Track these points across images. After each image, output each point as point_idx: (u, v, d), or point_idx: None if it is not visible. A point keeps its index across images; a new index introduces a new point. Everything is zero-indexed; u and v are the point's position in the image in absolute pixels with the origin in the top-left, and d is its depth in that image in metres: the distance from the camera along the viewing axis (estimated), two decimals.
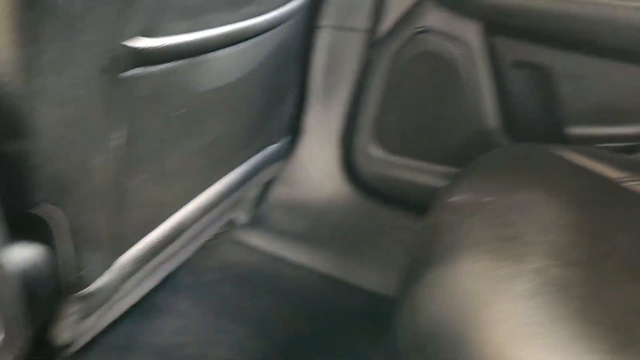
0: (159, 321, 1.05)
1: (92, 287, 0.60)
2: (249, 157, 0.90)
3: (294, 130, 1.10)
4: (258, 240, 1.21)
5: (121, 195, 0.60)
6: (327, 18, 1.07)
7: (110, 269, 0.62)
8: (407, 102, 1.08)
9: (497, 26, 0.97)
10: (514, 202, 0.65)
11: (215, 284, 1.14)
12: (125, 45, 0.51)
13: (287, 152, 1.06)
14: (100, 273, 0.61)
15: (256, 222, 1.22)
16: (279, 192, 1.21)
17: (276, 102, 0.91)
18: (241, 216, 1.17)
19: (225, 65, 0.66)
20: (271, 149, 0.99)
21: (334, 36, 1.08)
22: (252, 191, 1.11)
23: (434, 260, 0.60)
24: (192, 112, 0.65)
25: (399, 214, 1.15)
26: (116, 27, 0.49)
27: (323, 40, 1.08)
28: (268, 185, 1.19)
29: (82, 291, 0.59)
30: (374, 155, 1.14)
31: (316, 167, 1.19)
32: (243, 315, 1.08)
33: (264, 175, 1.02)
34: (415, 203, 1.12)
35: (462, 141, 1.05)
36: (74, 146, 0.51)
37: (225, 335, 1.03)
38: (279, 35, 0.79)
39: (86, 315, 0.62)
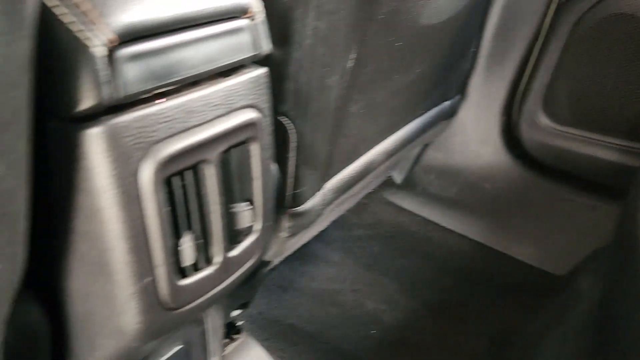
0: (313, 268, 1.09)
1: (305, 206, 0.62)
2: (427, 109, 0.89)
3: (461, 91, 1.08)
4: (408, 202, 1.21)
5: (340, 121, 0.62)
6: None
7: (319, 191, 0.64)
8: (587, 69, 1.01)
9: None
10: None
11: (365, 240, 1.15)
12: None
13: (451, 114, 1.04)
14: (312, 194, 0.63)
15: (407, 184, 1.22)
16: (432, 156, 1.19)
17: (459, 54, 0.90)
18: (397, 176, 1.17)
19: (448, 1, 0.65)
20: (441, 107, 0.97)
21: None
22: (414, 150, 1.11)
23: None
24: (407, 45, 0.65)
25: (567, 189, 1.09)
26: None
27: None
28: (423, 148, 1.18)
29: (296, 208, 0.61)
30: (541, 125, 1.08)
31: (475, 132, 1.16)
32: (393, 272, 1.08)
33: (429, 136, 1.01)
34: (591, 179, 1.05)
35: None
36: (319, 60, 0.53)
37: (376, 288, 1.04)
38: None
39: (293, 234, 0.65)
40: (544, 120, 1.09)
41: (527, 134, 1.11)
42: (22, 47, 0.24)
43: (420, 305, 1.02)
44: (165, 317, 0.41)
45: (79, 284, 0.40)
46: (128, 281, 0.38)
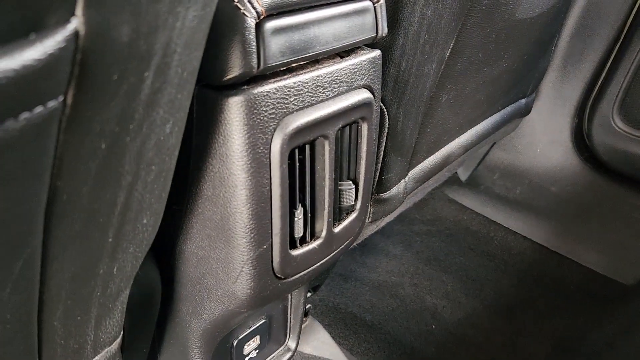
0: (374, 259, 1.09)
1: (390, 192, 0.63)
2: (505, 105, 0.89)
3: (535, 90, 1.07)
4: (470, 200, 1.20)
5: (430, 110, 0.62)
6: None
7: (403, 179, 0.65)
8: None
9: None
10: None
11: (425, 235, 1.15)
12: None
13: (525, 112, 1.03)
14: (397, 181, 0.64)
15: (470, 182, 1.21)
16: (497, 155, 1.18)
17: (542, 51, 0.88)
18: (462, 173, 1.16)
19: None
20: (518, 104, 0.96)
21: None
22: (483, 148, 1.10)
23: None
24: (500, 38, 0.65)
25: (638, 196, 1.06)
26: None
27: None
28: (491, 147, 1.17)
29: (382, 194, 0.62)
30: (617, 128, 1.06)
31: (544, 133, 1.14)
32: (453, 269, 1.08)
33: (500, 133, 1.00)
34: None
35: None
36: (421, 48, 0.53)
37: (436, 284, 1.04)
38: None
39: (374, 220, 0.65)
40: (620, 123, 1.06)
41: (599, 137, 1.09)
42: (210, 11, 0.26)
43: (480, 304, 1.02)
44: (275, 285, 0.43)
45: (197, 248, 0.42)
46: (247, 247, 0.39)
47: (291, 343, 0.64)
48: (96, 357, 0.36)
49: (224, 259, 0.41)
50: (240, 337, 0.55)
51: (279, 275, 0.42)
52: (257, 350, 0.58)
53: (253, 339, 0.57)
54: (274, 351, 0.63)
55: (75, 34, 0.18)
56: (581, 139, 1.12)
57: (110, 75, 0.20)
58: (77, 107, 0.20)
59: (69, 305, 0.29)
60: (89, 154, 0.22)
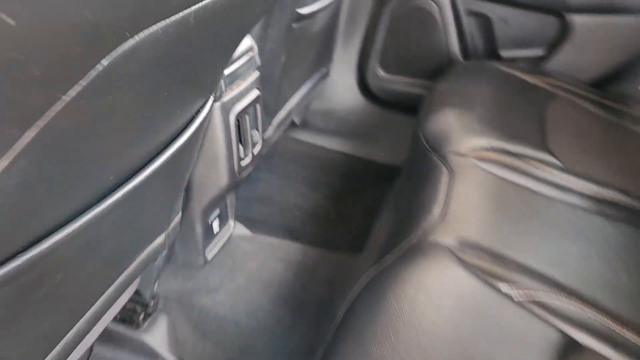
0: (255, 179, 1.67)
1: (268, 133, 1.21)
2: (314, 75, 1.51)
3: (330, 61, 1.71)
4: (304, 135, 1.83)
5: (280, 87, 1.21)
6: None
7: (271, 126, 1.24)
8: (402, 40, 1.69)
9: None
10: (471, 91, 1.28)
11: (281, 160, 1.76)
12: None
13: (326, 76, 1.67)
14: (269, 127, 1.22)
15: (302, 124, 1.83)
16: (316, 104, 1.82)
17: (332, 37, 1.51)
18: (297, 119, 1.78)
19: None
20: (321, 71, 1.59)
21: None
22: (308, 102, 1.72)
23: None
24: (301, 43, 1.25)
25: (397, 114, 1.78)
26: None
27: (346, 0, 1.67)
28: (311, 96, 1.79)
29: (265, 135, 1.20)
30: (380, 76, 1.75)
31: (341, 86, 1.79)
32: (299, 179, 1.71)
33: (316, 91, 1.63)
34: (408, 106, 1.75)
35: (436, 62, 1.67)
36: (277, 61, 1.11)
37: (293, 189, 1.66)
38: None
39: (263, 150, 1.23)
40: (381, 72, 1.75)
41: (373, 82, 1.77)
42: None
43: (321, 195, 1.66)
44: (235, 178, 0.99)
45: (201, 169, 0.95)
46: (225, 163, 0.94)
47: (230, 222, 1.21)
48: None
49: (214, 170, 0.95)
50: (212, 219, 1.10)
51: (237, 174, 0.99)
52: (219, 227, 1.14)
53: (216, 220, 1.13)
54: (224, 226, 1.20)
55: None
56: (363, 85, 1.80)
57: None
58: None
59: None
60: None
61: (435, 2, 1.59)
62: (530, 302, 0.77)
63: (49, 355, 0.54)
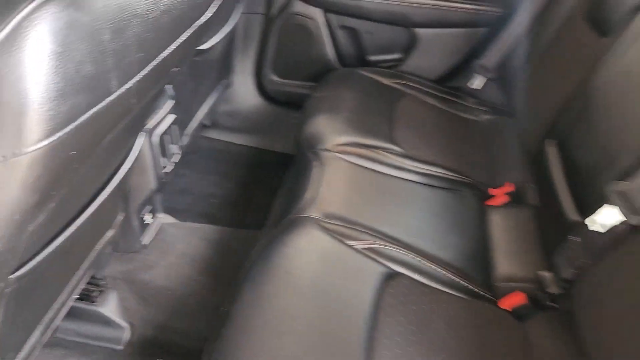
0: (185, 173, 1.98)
1: (183, 142, 1.54)
2: (219, 85, 1.83)
3: (231, 73, 2.04)
4: (215, 134, 2.15)
5: (191, 104, 1.53)
6: (244, 7, 1.97)
7: (185, 135, 1.56)
8: (289, 51, 2.04)
9: (331, 9, 1.95)
10: (339, 95, 1.67)
11: (198, 156, 2.07)
12: None
13: (228, 85, 2.00)
14: (183, 137, 1.54)
15: (213, 124, 2.15)
16: (223, 107, 2.14)
17: (231, 55, 1.84)
18: (207, 121, 2.09)
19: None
20: (224, 82, 1.92)
21: (247, 17, 1.99)
22: (219, 106, 2.04)
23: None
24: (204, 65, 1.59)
25: (290, 111, 2.14)
26: None
27: (241, 20, 1.99)
28: (217, 103, 2.12)
29: (181, 145, 1.52)
30: (274, 80, 2.10)
31: (243, 90, 2.12)
32: (213, 171, 2.03)
33: (223, 97, 1.95)
34: (298, 104, 2.12)
35: (319, 68, 2.04)
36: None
37: (206, 181, 1.99)
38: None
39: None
40: (275, 77, 2.10)
41: (269, 86, 2.12)
42: None
43: (234, 184, 2.01)
44: (161, 183, 1.31)
45: (134, 180, 1.27)
46: (152, 174, 1.27)
47: (159, 214, 1.54)
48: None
49: (144, 179, 1.27)
50: (145, 213, 1.42)
51: (161, 179, 1.31)
52: (151, 218, 1.47)
53: (149, 214, 1.45)
54: (155, 218, 1.52)
55: None
56: (261, 89, 2.14)
57: None
58: None
59: None
60: None
61: (313, 19, 1.95)
62: (368, 250, 1.17)
63: (31, 335, 0.87)
